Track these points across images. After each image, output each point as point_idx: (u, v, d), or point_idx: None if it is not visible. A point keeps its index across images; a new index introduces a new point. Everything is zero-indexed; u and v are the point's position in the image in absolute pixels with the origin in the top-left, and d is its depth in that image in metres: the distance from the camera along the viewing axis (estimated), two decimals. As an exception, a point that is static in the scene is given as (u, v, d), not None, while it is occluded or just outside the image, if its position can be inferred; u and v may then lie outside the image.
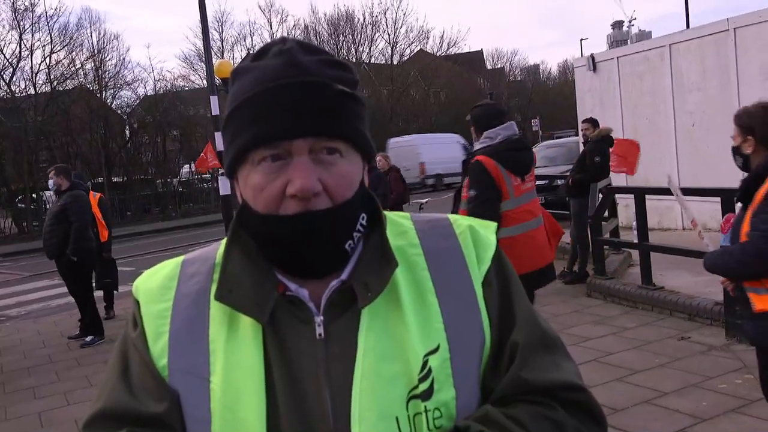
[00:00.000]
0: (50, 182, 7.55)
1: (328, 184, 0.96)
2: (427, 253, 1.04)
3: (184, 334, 1.00)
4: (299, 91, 0.94)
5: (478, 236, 1.07)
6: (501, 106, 4.59)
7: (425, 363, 0.96)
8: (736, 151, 3.16)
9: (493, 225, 1.11)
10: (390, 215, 1.09)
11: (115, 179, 28.88)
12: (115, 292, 8.64)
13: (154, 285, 1.06)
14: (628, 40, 43.74)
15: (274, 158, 0.95)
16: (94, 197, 8.26)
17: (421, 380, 0.95)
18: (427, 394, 0.95)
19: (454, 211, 4.08)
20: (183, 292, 1.03)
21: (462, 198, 4.07)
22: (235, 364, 0.96)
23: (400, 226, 1.08)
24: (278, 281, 1.01)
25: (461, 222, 1.09)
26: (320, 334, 0.98)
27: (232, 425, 0.94)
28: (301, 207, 0.95)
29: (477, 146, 4.10)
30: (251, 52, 1.05)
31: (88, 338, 7.54)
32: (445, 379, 0.96)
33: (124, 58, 43.30)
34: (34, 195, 25.19)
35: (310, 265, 0.99)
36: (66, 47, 28.16)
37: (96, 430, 0.99)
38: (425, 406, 0.94)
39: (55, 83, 27.53)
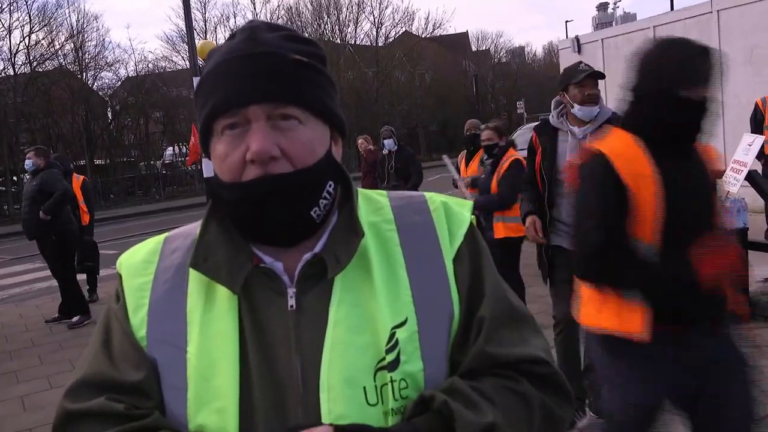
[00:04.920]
0: (28, 162, 7.41)
1: (286, 149, 0.97)
2: (401, 229, 1.06)
3: (163, 306, 1.03)
4: (253, 60, 0.97)
5: (452, 213, 1.09)
6: None
7: (392, 335, 0.98)
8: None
9: (469, 203, 1.13)
10: (367, 193, 1.12)
11: (97, 162, 28.63)
12: (97, 275, 8.59)
13: (136, 260, 1.09)
14: (613, 22, 43.86)
15: (232, 126, 0.98)
16: (78, 180, 8.17)
17: (388, 351, 0.97)
18: (393, 365, 0.97)
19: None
20: (164, 267, 1.06)
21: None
22: (211, 333, 0.99)
23: (377, 203, 1.10)
24: (253, 254, 1.03)
25: (436, 199, 1.11)
26: (292, 305, 1.00)
27: (206, 392, 0.97)
28: (260, 171, 0.96)
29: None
30: (235, 32, 1.08)
31: (74, 319, 7.47)
32: (412, 351, 0.99)
33: (104, 39, 42.75)
34: (14, 178, 24.87)
35: (276, 231, 1.01)
36: (45, 27, 27.74)
37: (77, 397, 1.01)
38: (391, 377, 0.97)
39: (34, 64, 27.11)
